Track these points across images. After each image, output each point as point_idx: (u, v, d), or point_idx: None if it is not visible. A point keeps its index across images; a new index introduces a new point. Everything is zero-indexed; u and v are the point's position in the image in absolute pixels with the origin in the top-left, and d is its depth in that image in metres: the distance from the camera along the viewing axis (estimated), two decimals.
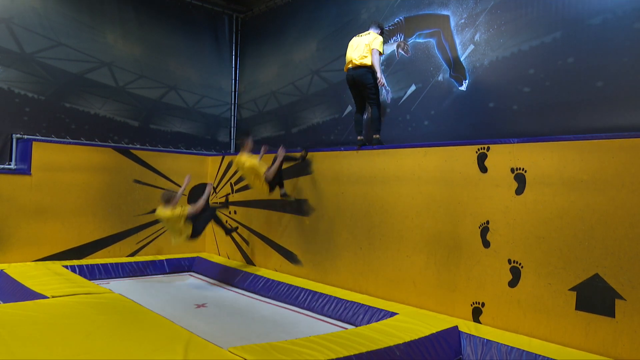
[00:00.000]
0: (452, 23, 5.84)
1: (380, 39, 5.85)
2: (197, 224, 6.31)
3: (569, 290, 4.00)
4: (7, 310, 4.18)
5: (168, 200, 6.28)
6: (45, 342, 3.44)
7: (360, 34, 6.04)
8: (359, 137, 6.06)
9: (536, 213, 4.23)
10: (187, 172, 8.29)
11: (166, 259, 7.71)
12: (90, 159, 7.30)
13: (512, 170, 4.42)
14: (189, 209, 6.23)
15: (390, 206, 5.45)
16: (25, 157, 6.81)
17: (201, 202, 6.31)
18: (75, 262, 6.88)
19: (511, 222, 4.39)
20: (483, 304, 4.57)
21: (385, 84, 6.29)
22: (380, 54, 5.80)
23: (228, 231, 7.11)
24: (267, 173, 6.22)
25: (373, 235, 5.62)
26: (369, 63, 5.75)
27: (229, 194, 7.88)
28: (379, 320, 4.74)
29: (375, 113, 5.87)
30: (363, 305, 5.18)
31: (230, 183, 7.98)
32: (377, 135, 5.88)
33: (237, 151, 9.33)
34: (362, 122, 6.14)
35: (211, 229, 8.42)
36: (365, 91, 5.87)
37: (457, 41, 5.77)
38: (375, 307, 5.07)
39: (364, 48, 5.80)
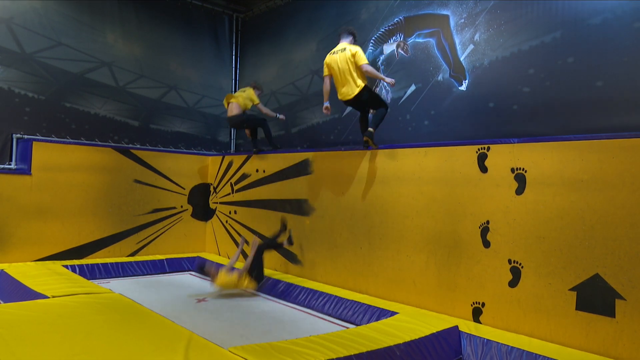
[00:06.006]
0: (452, 23, 5.84)
1: (359, 50, 5.56)
2: (257, 272, 6.15)
3: (569, 290, 4.00)
4: (7, 310, 4.18)
5: (208, 273, 6.20)
6: (45, 342, 3.44)
7: (333, 51, 5.72)
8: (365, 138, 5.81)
9: (536, 213, 4.23)
10: (188, 171, 8.35)
11: (166, 259, 7.71)
12: (90, 159, 7.30)
13: (513, 170, 4.42)
14: (238, 273, 6.08)
15: (391, 206, 5.45)
16: (26, 157, 6.81)
17: (249, 260, 6.13)
18: (76, 262, 6.88)
19: (511, 222, 4.39)
20: (483, 304, 4.57)
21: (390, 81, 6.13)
22: (367, 63, 5.50)
23: (288, 240, 6.59)
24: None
25: (373, 235, 5.62)
26: (362, 85, 5.52)
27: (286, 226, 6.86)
28: (379, 320, 4.74)
29: (382, 112, 5.70)
30: (363, 304, 5.18)
31: (231, 183, 7.98)
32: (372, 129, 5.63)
33: (237, 151, 9.38)
34: (368, 121, 5.95)
35: (212, 230, 8.44)
36: (369, 105, 5.79)
37: (457, 41, 5.77)
38: (375, 307, 5.07)
39: (349, 76, 5.52)
